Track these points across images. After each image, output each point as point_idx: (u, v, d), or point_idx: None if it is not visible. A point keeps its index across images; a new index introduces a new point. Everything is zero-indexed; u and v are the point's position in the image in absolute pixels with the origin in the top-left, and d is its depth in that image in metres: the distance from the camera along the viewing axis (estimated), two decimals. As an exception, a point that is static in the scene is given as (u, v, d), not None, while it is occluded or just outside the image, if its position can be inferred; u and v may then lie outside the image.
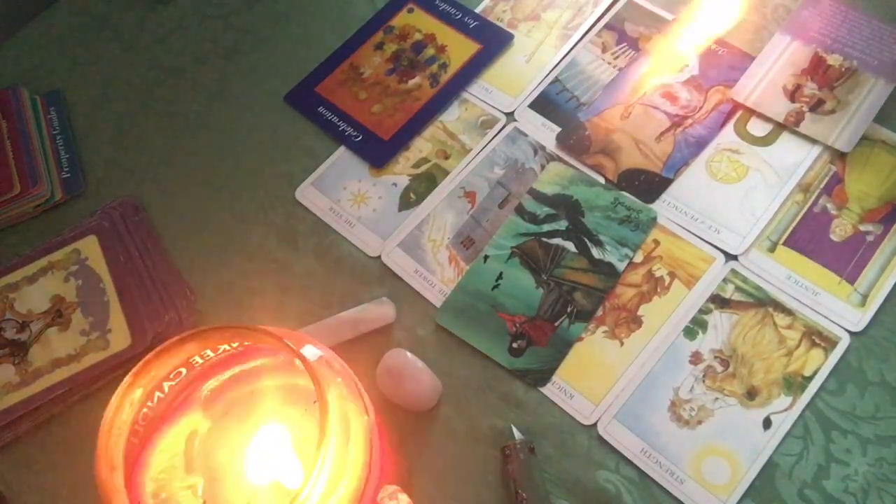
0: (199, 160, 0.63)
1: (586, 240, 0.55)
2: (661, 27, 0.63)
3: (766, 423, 0.48)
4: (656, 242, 0.54)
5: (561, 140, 0.59)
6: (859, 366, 0.49)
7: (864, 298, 0.51)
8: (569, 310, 0.53)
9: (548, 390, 0.51)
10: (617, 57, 0.63)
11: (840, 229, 0.53)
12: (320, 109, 0.64)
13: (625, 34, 0.64)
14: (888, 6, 0.61)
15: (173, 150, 0.64)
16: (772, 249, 0.53)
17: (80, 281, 0.57)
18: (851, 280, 0.51)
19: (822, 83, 0.58)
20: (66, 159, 0.64)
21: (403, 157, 0.61)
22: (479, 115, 0.62)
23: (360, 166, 0.61)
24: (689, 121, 0.59)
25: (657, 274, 0.53)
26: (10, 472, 0.52)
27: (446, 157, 0.60)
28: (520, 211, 0.57)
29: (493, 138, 0.60)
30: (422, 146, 0.61)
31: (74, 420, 0.54)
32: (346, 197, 0.60)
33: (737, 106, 0.59)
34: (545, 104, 0.61)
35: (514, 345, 0.52)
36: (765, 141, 0.57)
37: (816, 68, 0.59)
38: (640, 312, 0.52)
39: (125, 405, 0.37)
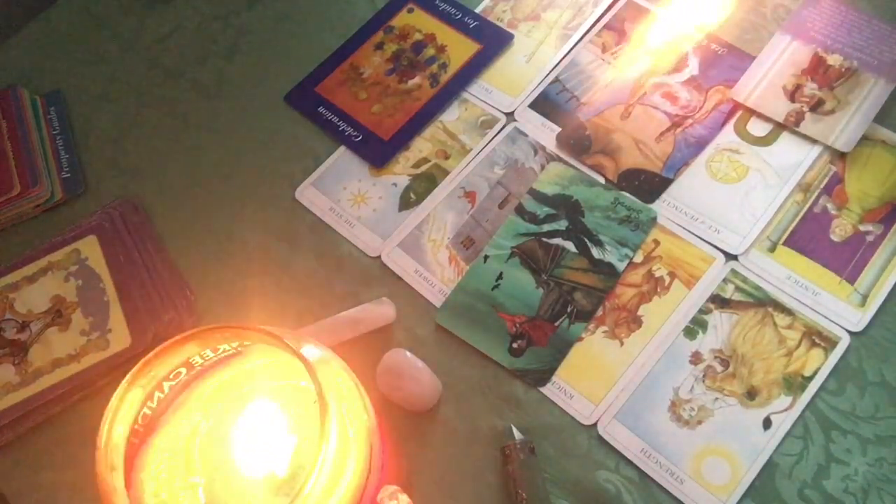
0: (198, 160, 0.63)
1: (586, 240, 0.55)
2: (661, 27, 0.63)
3: (766, 423, 0.48)
4: (656, 242, 0.54)
5: (561, 140, 0.59)
6: (859, 366, 0.49)
7: (864, 298, 0.51)
8: (569, 310, 0.53)
9: (548, 390, 0.51)
10: (617, 57, 0.63)
11: (840, 229, 0.53)
12: (320, 109, 0.64)
13: (625, 34, 0.63)
14: (888, 6, 0.61)
15: (173, 150, 0.64)
16: (772, 249, 0.53)
17: (80, 281, 0.57)
18: (851, 280, 0.51)
19: (822, 83, 0.58)
20: (66, 159, 0.64)
21: (403, 157, 0.61)
22: (479, 115, 0.62)
23: (360, 166, 0.61)
24: (689, 121, 0.59)
25: (657, 274, 0.53)
26: (10, 472, 0.52)
27: (446, 157, 0.60)
28: (520, 211, 0.57)
29: (493, 138, 0.60)
30: (422, 146, 0.61)
31: (74, 420, 0.54)
32: (346, 197, 0.60)
33: (737, 106, 0.59)
34: (545, 104, 0.61)
35: (514, 345, 0.52)
36: (765, 141, 0.57)
37: (816, 68, 0.59)
38: (640, 312, 0.52)
39: (125, 405, 0.37)
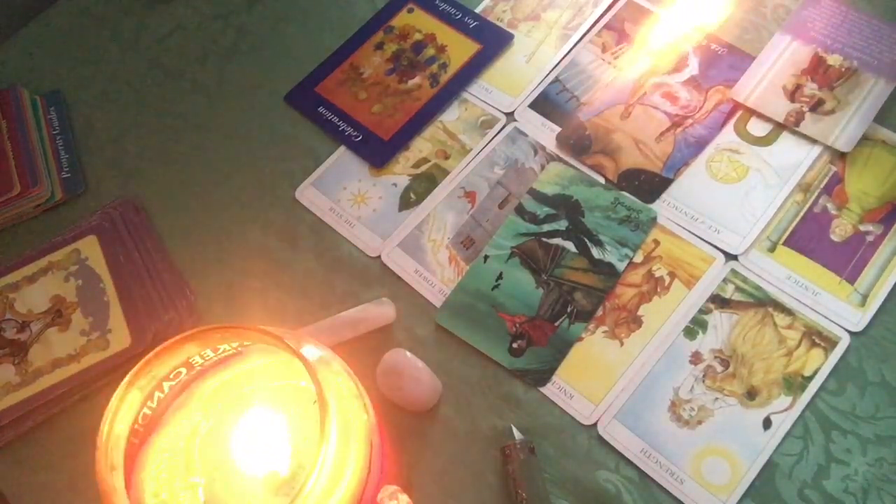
0: (199, 160, 0.63)
1: (586, 240, 0.55)
2: (662, 27, 0.63)
3: (766, 423, 0.48)
4: (656, 242, 0.54)
5: (561, 140, 0.59)
6: (859, 366, 0.49)
7: (864, 298, 0.51)
8: (569, 310, 0.53)
9: (548, 390, 0.51)
10: (617, 57, 0.63)
11: (840, 229, 0.53)
12: (320, 109, 0.64)
13: (625, 34, 0.63)
14: (888, 6, 0.61)
15: (173, 150, 0.64)
16: (772, 249, 0.53)
17: (80, 281, 0.57)
18: (851, 280, 0.51)
19: (822, 83, 0.58)
20: (66, 159, 0.64)
21: (403, 157, 0.61)
22: (479, 115, 0.62)
23: (360, 166, 0.61)
24: (689, 121, 0.59)
25: (657, 274, 0.53)
26: (10, 472, 0.52)
27: (446, 157, 0.60)
28: (520, 211, 0.57)
29: (493, 138, 0.60)
30: (422, 146, 0.61)
31: (74, 420, 0.54)
32: (346, 197, 0.60)
33: (737, 106, 0.59)
34: (545, 104, 0.61)
35: (514, 345, 0.52)
36: (765, 141, 0.57)
37: (816, 68, 0.59)
38: (640, 312, 0.52)
39: (125, 405, 0.37)
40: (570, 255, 0.55)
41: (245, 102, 0.66)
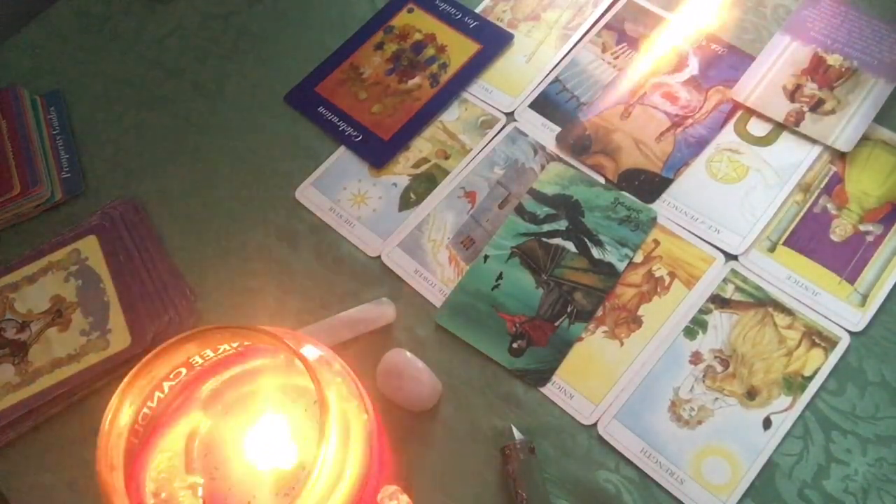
0: (198, 160, 0.63)
1: (586, 240, 0.55)
2: (662, 27, 0.63)
3: (766, 423, 0.48)
4: (656, 242, 0.54)
5: (561, 140, 0.59)
6: (859, 366, 0.49)
7: (864, 298, 0.51)
8: (569, 310, 0.53)
9: (548, 390, 0.51)
10: (617, 57, 0.63)
11: (840, 229, 0.53)
12: (320, 109, 0.64)
13: (625, 34, 0.64)
14: (888, 6, 0.61)
15: (173, 150, 0.64)
16: (772, 249, 0.53)
17: (80, 281, 0.57)
18: (851, 280, 0.51)
19: (822, 83, 0.58)
20: (66, 159, 0.64)
21: (403, 157, 0.61)
22: (479, 115, 0.62)
23: (360, 166, 0.61)
24: (689, 121, 0.59)
25: (657, 274, 0.53)
26: (10, 472, 0.52)
27: (446, 157, 0.60)
28: (520, 211, 0.57)
29: (493, 138, 0.60)
30: (422, 146, 0.61)
31: (74, 420, 0.54)
32: (346, 197, 0.60)
33: (737, 106, 0.59)
34: (545, 104, 0.61)
35: (514, 345, 0.52)
36: (765, 141, 0.57)
37: (816, 68, 0.59)
38: (640, 312, 0.52)
39: (125, 405, 0.37)
40: (570, 255, 0.55)
41: (245, 102, 0.66)
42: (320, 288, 0.56)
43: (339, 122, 0.63)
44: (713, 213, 0.55)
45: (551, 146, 0.59)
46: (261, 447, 0.39)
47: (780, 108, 0.58)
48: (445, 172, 0.60)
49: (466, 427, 0.50)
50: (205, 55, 0.69)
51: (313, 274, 0.57)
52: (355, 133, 0.62)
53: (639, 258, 0.54)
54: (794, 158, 0.56)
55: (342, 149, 0.62)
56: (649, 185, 0.57)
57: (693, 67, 0.61)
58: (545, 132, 0.60)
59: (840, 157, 0.56)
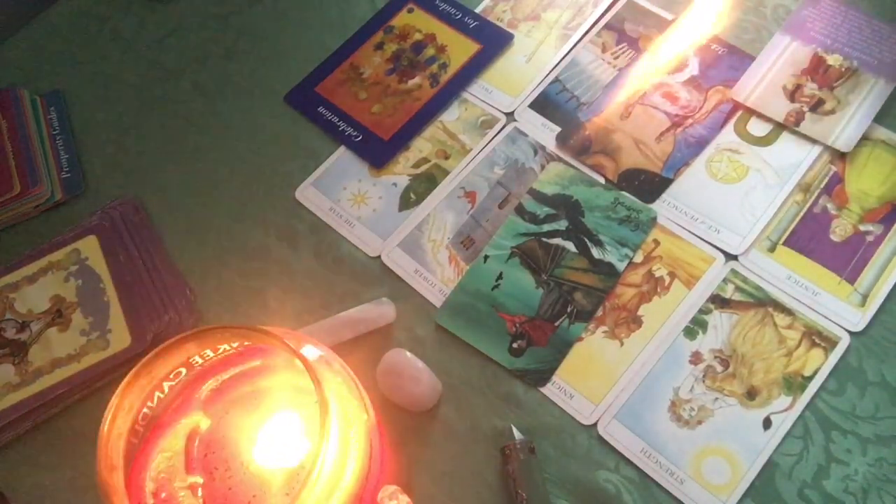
0: (199, 160, 0.63)
1: (586, 240, 0.55)
2: (662, 27, 0.63)
3: (766, 423, 0.48)
4: (656, 242, 0.54)
5: (561, 140, 0.59)
6: (859, 366, 0.49)
7: (864, 298, 0.51)
8: (569, 310, 0.53)
9: (548, 390, 0.51)
10: (617, 57, 0.63)
11: (840, 229, 0.53)
12: (320, 109, 0.64)
13: (625, 34, 0.64)
14: (888, 6, 0.61)
15: (173, 150, 0.64)
16: (772, 249, 0.53)
17: (80, 281, 0.57)
18: (851, 280, 0.51)
19: (822, 83, 0.58)
20: (66, 159, 0.64)
21: (403, 157, 0.61)
22: (479, 115, 0.62)
23: (360, 166, 0.61)
24: (689, 121, 0.59)
25: (657, 274, 0.53)
26: (10, 472, 0.52)
27: (446, 157, 0.60)
28: (520, 211, 0.57)
29: (493, 138, 0.60)
30: (422, 146, 0.61)
31: (74, 420, 0.54)
32: (346, 197, 0.60)
33: (737, 106, 0.59)
34: (545, 104, 0.61)
35: (514, 345, 0.52)
36: (765, 141, 0.57)
37: (816, 68, 0.59)
38: (640, 312, 0.52)
39: (125, 405, 0.37)
40: (570, 255, 0.55)
41: (245, 102, 0.66)
42: (320, 288, 0.56)
43: (339, 122, 0.63)
44: (713, 213, 0.55)
45: (551, 146, 0.59)
46: (261, 447, 0.39)
47: (780, 108, 0.58)
48: (445, 172, 0.60)
49: (466, 427, 0.50)
50: (205, 55, 0.69)
51: (313, 274, 0.57)
52: (355, 133, 0.62)
53: (639, 258, 0.54)
54: (794, 158, 0.56)
55: (342, 149, 0.62)
56: (649, 185, 0.57)
57: (693, 67, 0.61)
58: (545, 132, 0.60)
59: (840, 157, 0.56)
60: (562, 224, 0.56)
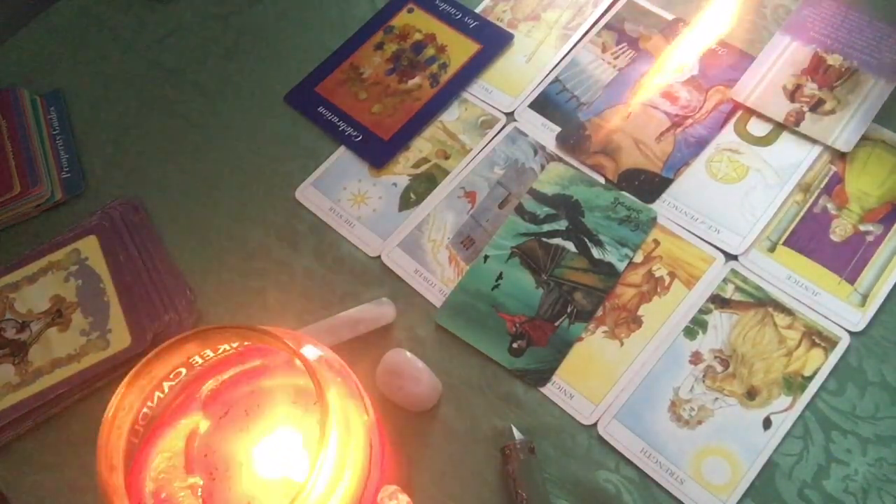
0: (199, 160, 0.63)
1: (586, 240, 0.55)
2: (662, 27, 0.63)
3: (766, 423, 0.48)
4: (656, 242, 0.54)
5: (561, 140, 0.59)
6: (859, 366, 0.49)
7: (864, 298, 0.51)
8: (569, 310, 0.53)
9: (548, 390, 0.51)
10: (617, 57, 0.63)
11: (840, 229, 0.53)
12: (320, 109, 0.64)
13: (625, 34, 0.64)
14: (888, 6, 0.61)
15: (173, 150, 0.64)
16: (772, 249, 0.53)
17: (80, 281, 0.57)
18: (851, 280, 0.51)
19: (823, 83, 0.58)
20: (66, 159, 0.64)
21: (403, 157, 0.61)
22: (479, 115, 0.62)
23: (360, 166, 0.61)
24: (689, 121, 0.59)
25: (657, 274, 0.53)
26: (10, 472, 0.52)
27: (446, 157, 0.60)
28: (520, 211, 0.57)
29: (493, 138, 0.60)
30: (422, 146, 0.61)
31: (74, 420, 0.54)
32: (346, 197, 0.60)
33: (737, 106, 0.59)
34: (545, 104, 0.61)
35: (514, 345, 0.52)
36: (765, 141, 0.57)
37: (816, 68, 0.59)
38: (640, 312, 0.52)
39: (125, 405, 0.37)
40: (570, 255, 0.55)
41: (245, 102, 0.66)
42: (320, 288, 0.56)
43: (339, 122, 0.63)
44: (713, 213, 0.55)
45: (551, 146, 0.59)
46: (260, 447, 0.39)
47: (780, 108, 0.58)
48: (445, 172, 0.60)
49: (466, 427, 0.50)
50: (205, 55, 0.69)
51: (313, 274, 0.57)
52: (355, 133, 0.62)
53: (639, 258, 0.54)
54: (794, 158, 0.56)
55: (342, 149, 0.62)
56: (649, 185, 0.57)
57: (693, 67, 0.61)
58: (545, 132, 0.60)
59: (840, 157, 0.56)
60: (562, 224, 0.56)
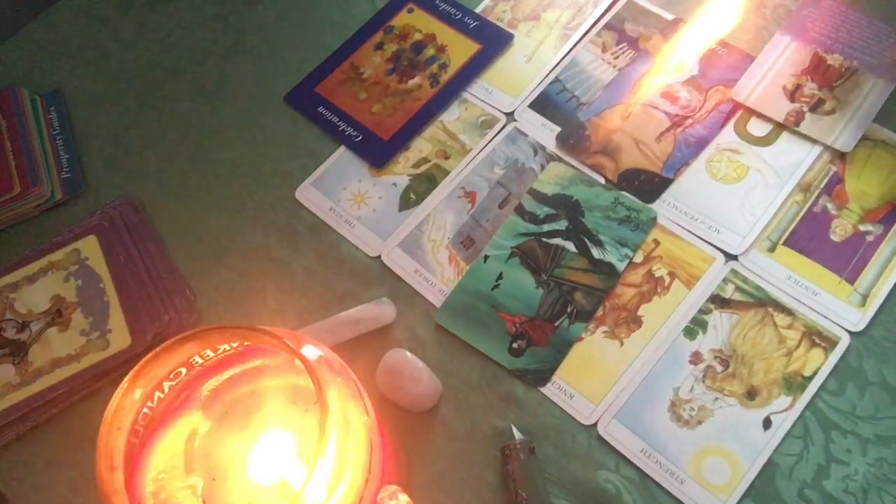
0: (199, 160, 0.63)
1: (586, 240, 0.55)
2: (662, 27, 0.63)
3: (766, 423, 0.48)
4: (656, 242, 0.54)
5: (561, 140, 0.59)
6: (859, 366, 0.49)
7: (864, 298, 0.51)
8: (569, 310, 0.53)
9: (548, 390, 0.51)
10: (617, 57, 0.63)
11: (840, 229, 0.53)
12: (320, 109, 0.64)
13: (625, 34, 0.64)
14: (888, 6, 0.61)
15: (173, 150, 0.64)
16: (772, 249, 0.53)
17: (80, 281, 0.57)
18: (851, 280, 0.51)
19: (822, 83, 0.58)
20: (66, 159, 0.64)
21: (403, 157, 0.61)
22: (479, 115, 0.62)
23: (360, 166, 0.61)
24: (690, 121, 0.59)
25: (657, 274, 0.53)
26: (10, 472, 0.52)
27: (446, 157, 0.60)
28: (520, 211, 0.57)
29: (493, 138, 0.60)
30: (422, 146, 0.61)
31: (74, 420, 0.54)
32: (346, 197, 0.60)
33: (737, 106, 0.59)
34: (545, 104, 0.61)
35: (514, 345, 0.52)
36: (765, 141, 0.57)
37: (816, 68, 0.59)
38: (640, 312, 0.52)
39: (125, 405, 0.37)
40: (570, 255, 0.55)
41: (245, 102, 0.66)
42: (320, 288, 0.56)
43: (339, 122, 0.63)
44: (713, 213, 0.55)
45: (551, 146, 0.59)
46: (260, 447, 0.39)
47: (780, 108, 0.58)
48: (445, 172, 0.60)
49: (466, 427, 0.50)
50: (205, 55, 0.69)
51: (313, 274, 0.57)
52: (355, 133, 0.62)
53: (639, 258, 0.54)
54: (794, 158, 0.56)
55: (342, 149, 0.62)
56: (649, 185, 0.57)
57: (693, 67, 0.61)
58: (545, 132, 0.60)
59: (840, 157, 0.56)
60: (562, 224, 0.56)
